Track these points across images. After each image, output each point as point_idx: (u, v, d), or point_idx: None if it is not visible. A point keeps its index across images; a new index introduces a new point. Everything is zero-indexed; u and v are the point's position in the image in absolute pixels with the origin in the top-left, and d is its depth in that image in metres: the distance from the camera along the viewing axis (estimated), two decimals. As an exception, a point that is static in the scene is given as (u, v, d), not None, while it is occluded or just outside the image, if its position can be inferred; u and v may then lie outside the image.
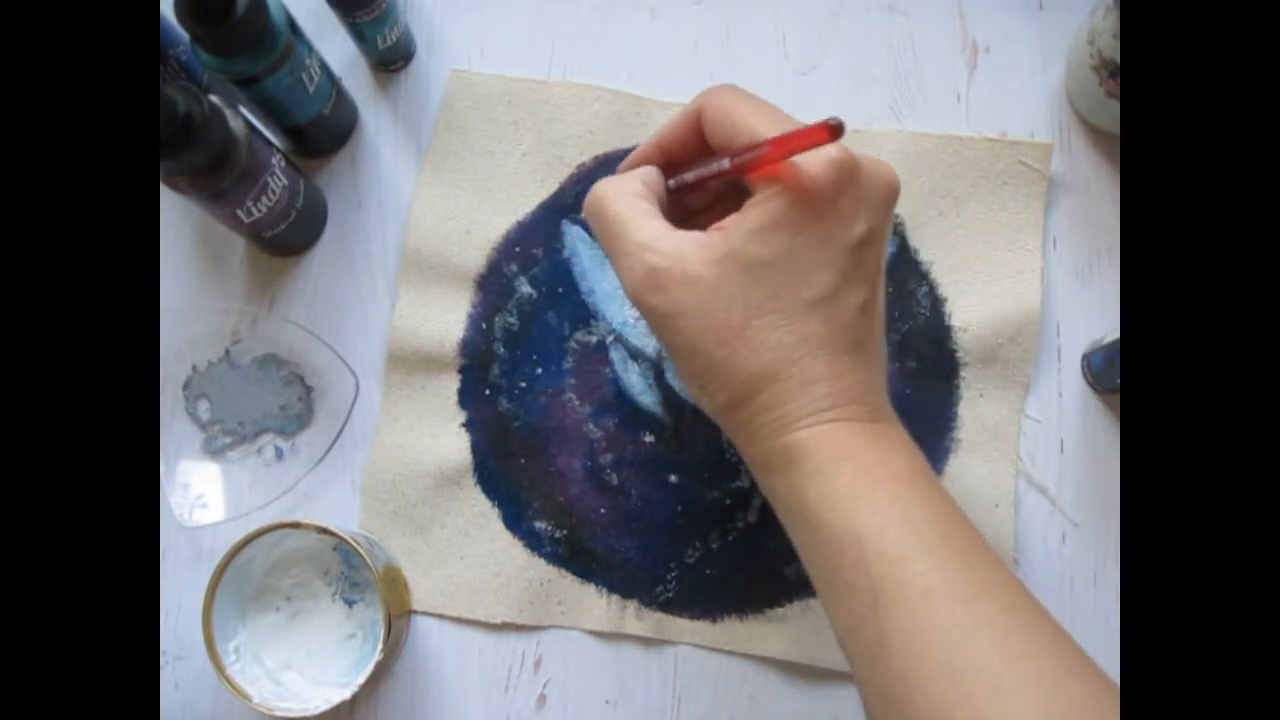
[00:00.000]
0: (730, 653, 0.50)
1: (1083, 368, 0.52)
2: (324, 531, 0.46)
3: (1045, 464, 0.51)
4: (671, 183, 0.39)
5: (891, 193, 0.35)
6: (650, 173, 0.38)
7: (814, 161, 0.33)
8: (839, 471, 0.33)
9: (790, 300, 0.33)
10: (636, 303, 0.35)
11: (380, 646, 0.45)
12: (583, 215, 0.36)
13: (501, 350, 0.53)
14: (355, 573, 0.50)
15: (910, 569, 0.31)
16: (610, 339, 0.52)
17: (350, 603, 0.49)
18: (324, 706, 0.44)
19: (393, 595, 0.47)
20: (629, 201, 0.36)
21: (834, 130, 0.30)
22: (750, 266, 0.33)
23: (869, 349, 0.35)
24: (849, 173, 0.33)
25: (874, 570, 0.31)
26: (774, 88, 0.55)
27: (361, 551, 0.45)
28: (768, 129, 0.34)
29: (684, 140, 0.38)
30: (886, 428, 0.35)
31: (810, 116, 0.54)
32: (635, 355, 0.52)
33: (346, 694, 0.44)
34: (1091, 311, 0.52)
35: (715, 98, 0.36)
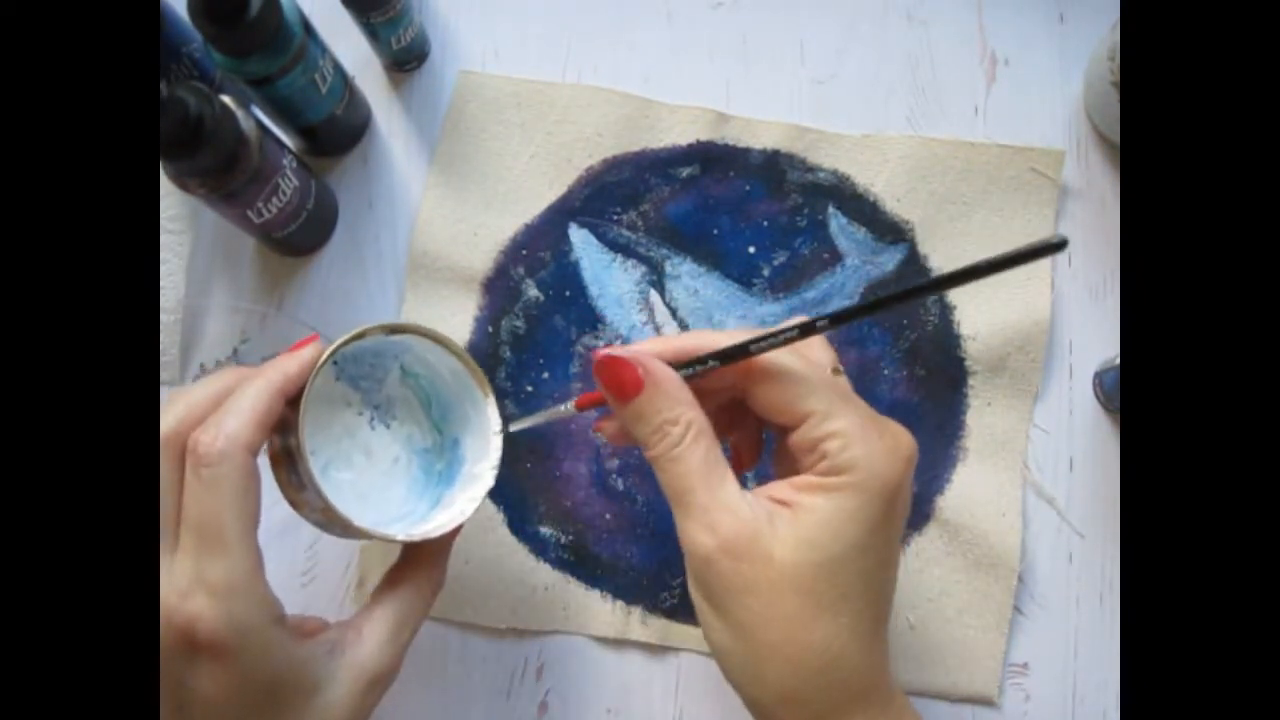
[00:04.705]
0: (733, 662, 0.50)
1: (1094, 387, 0.51)
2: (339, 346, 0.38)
3: (1054, 480, 0.51)
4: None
5: (914, 463, 0.35)
6: (703, 420, 0.35)
7: (890, 461, 0.33)
8: None
9: (859, 601, 0.33)
10: (703, 564, 0.33)
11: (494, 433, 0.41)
12: (650, 442, 0.34)
13: (508, 354, 0.52)
14: (373, 389, 0.44)
15: None
16: (617, 344, 0.52)
17: (387, 425, 0.44)
18: (460, 519, 0.40)
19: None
20: (710, 449, 0.34)
21: None
22: (827, 560, 0.32)
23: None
24: (913, 463, 0.34)
25: None
26: (791, 95, 0.55)
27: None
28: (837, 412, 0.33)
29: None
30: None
31: (827, 124, 0.55)
32: (643, 360, 0.52)
33: (488, 483, 0.41)
34: (1104, 330, 0.52)
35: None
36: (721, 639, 0.34)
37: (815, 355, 0.37)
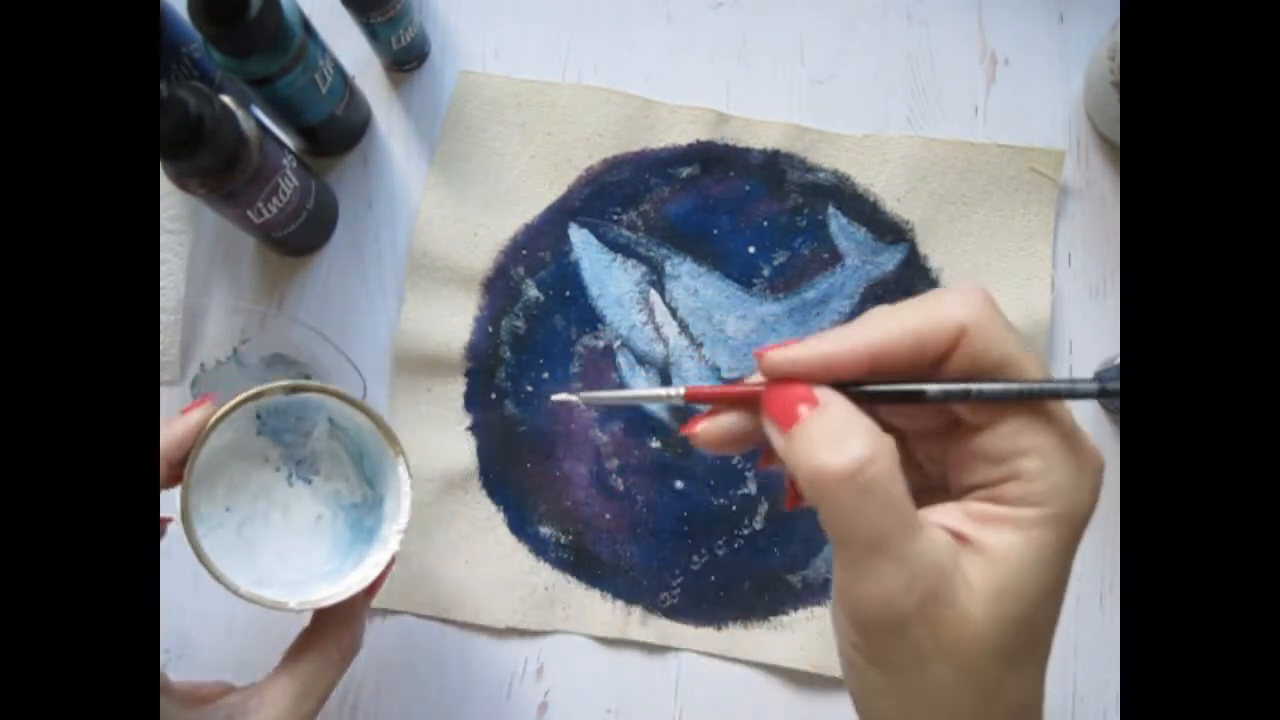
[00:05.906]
0: (734, 660, 0.50)
1: (1094, 385, 0.51)
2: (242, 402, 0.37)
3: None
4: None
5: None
6: (888, 442, 0.26)
7: (1092, 484, 0.27)
8: None
9: (1044, 650, 0.29)
10: (891, 632, 0.27)
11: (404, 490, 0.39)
12: (828, 477, 0.26)
13: (508, 354, 0.52)
14: (298, 443, 0.42)
15: None
16: (617, 344, 0.52)
17: (308, 481, 0.43)
18: (356, 588, 0.38)
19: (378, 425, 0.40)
20: (901, 490, 0.26)
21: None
22: (1026, 611, 0.27)
23: None
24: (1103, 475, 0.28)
25: None
26: (790, 95, 0.55)
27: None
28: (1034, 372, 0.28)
29: (910, 354, 0.28)
30: None
31: (826, 124, 0.55)
32: (642, 360, 0.52)
33: (393, 548, 0.39)
34: (1104, 330, 0.52)
35: (982, 316, 0.28)
36: (891, 707, 0.28)
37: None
